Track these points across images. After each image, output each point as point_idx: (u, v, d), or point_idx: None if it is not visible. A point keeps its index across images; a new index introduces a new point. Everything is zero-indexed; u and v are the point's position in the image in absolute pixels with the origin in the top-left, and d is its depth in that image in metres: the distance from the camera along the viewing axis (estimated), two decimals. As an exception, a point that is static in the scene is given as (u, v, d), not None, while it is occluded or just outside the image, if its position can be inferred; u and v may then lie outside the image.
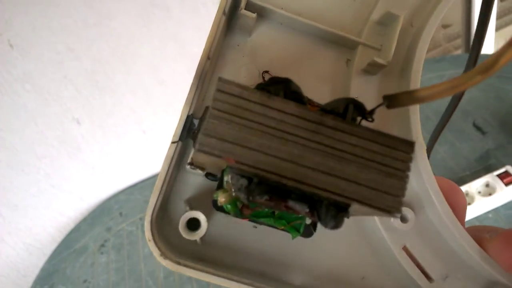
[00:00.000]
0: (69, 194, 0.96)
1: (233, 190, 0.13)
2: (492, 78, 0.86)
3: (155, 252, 0.16)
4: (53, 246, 0.99)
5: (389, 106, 0.15)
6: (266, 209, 0.15)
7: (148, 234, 0.16)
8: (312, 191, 0.12)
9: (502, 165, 0.65)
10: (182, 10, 0.77)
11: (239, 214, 0.15)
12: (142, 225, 0.91)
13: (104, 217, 0.95)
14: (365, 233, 0.18)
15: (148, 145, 0.95)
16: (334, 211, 0.13)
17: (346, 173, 0.13)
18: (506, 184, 0.63)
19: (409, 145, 0.14)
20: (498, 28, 1.18)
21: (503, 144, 0.72)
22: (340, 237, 0.19)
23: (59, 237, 1.00)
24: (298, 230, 0.15)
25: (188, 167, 0.17)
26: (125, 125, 0.90)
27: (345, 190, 0.12)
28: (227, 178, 0.14)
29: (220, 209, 0.16)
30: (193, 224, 0.16)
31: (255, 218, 0.16)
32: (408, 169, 0.13)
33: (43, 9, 0.72)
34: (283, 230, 0.15)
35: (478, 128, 0.72)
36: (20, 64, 0.76)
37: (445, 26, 1.22)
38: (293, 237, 0.16)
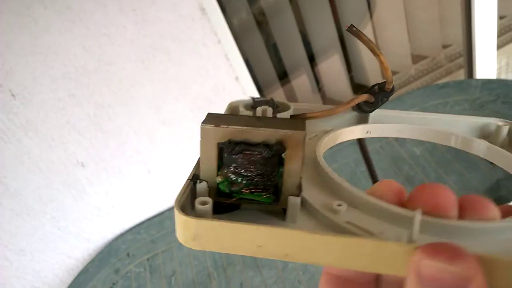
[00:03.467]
0: (76, 236, 0.95)
1: (225, 167, 0.21)
2: (499, 104, 0.85)
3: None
4: (61, 289, 0.98)
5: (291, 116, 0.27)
6: (245, 183, 0.22)
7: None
8: (258, 136, 0.21)
9: (514, 195, 0.64)
10: (182, 52, 0.77)
11: (230, 189, 0.22)
12: (150, 266, 0.89)
13: (112, 258, 0.94)
14: None
15: (153, 184, 0.95)
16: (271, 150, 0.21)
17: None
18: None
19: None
20: (499, 46, 1.17)
21: (513, 171, 0.70)
22: None
23: (67, 279, 0.99)
24: (270, 199, 0.22)
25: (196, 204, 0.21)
26: (129, 166, 0.90)
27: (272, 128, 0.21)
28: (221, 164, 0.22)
29: (220, 194, 0.22)
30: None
31: (240, 195, 0.22)
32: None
33: (43, 58, 0.72)
34: (259, 201, 0.22)
35: (487, 158, 0.71)
36: (22, 113, 0.76)
37: (445, 46, 1.22)
38: (267, 203, 0.22)
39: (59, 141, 0.81)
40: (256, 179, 0.21)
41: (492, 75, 1.16)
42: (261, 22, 1.15)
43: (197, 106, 0.86)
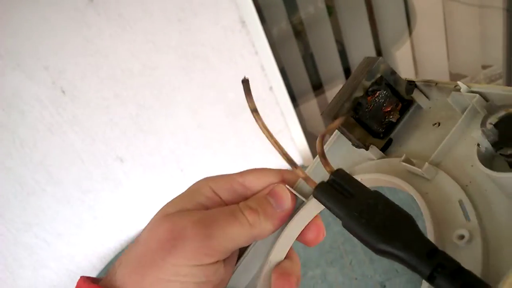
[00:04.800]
0: (110, 225, 1.01)
1: None
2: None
3: None
4: (93, 274, 1.04)
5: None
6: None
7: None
8: None
9: None
10: (220, 61, 0.81)
11: None
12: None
13: (141, 250, 0.99)
14: None
15: (185, 182, 0.98)
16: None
17: None
18: None
19: None
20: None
21: None
22: None
23: (99, 265, 1.05)
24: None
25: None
26: (164, 164, 0.95)
27: None
28: None
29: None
30: None
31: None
32: None
33: (93, 60, 0.77)
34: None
35: None
36: (70, 108, 0.82)
37: (485, 67, 1.20)
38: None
39: (101, 136, 0.87)
40: None
41: (532, 99, 1.14)
42: (300, 31, 1.18)
43: (232, 112, 0.90)
